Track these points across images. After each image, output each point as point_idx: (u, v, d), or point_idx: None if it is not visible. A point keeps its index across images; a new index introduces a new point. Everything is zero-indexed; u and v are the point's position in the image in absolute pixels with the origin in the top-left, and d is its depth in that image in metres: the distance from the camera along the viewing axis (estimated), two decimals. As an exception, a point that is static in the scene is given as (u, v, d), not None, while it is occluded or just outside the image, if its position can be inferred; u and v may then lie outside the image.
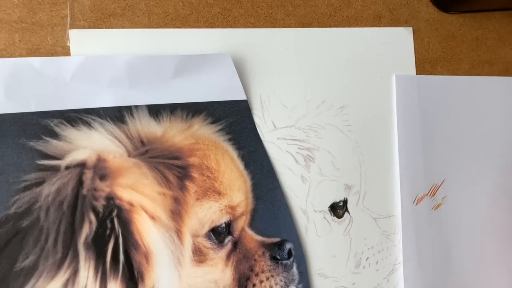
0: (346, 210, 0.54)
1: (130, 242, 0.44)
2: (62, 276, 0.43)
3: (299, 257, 0.50)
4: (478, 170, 0.59)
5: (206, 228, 0.47)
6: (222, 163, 0.48)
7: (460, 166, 0.58)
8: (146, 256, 0.45)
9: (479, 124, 0.59)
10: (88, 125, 0.45)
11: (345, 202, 0.54)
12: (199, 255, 0.47)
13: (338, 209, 0.53)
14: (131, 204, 0.45)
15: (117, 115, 0.46)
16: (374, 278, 0.54)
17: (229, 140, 0.49)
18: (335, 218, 0.53)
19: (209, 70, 0.49)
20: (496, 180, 0.60)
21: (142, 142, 0.46)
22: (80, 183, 0.44)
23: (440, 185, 0.57)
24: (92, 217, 0.44)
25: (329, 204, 0.53)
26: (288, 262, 0.49)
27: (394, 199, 0.56)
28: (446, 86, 0.58)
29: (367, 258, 0.54)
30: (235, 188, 0.49)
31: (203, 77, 0.49)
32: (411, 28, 0.58)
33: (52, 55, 0.47)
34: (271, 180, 0.50)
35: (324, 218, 0.53)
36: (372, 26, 0.57)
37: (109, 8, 0.49)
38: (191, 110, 0.48)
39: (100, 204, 0.44)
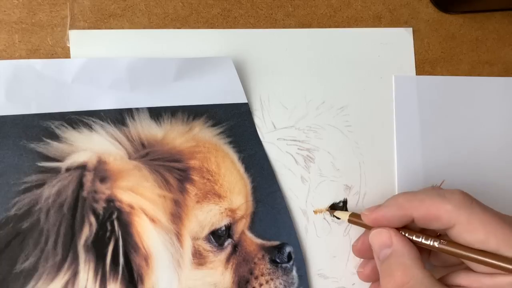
0: (346, 210, 0.54)
1: (130, 245, 0.44)
2: (62, 278, 0.43)
3: (299, 260, 0.50)
4: (478, 170, 0.59)
5: (206, 231, 0.47)
6: (222, 166, 0.48)
7: (460, 167, 0.58)
8: (146, 259, 0.45)
9: (479, 125, 0.59)
10: (89, 127, 0.45)
11: (345, 202, 0.54)
12: (199, 258, 0.47)
13: (338, 209, 0.53)
14: (131, 207, 0.45)
15: (118, 118, 0.46)
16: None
17: (230, 143, 0.49)
18: (335, 218, 0.53)
19: (211, 73, 0.49)
20: (496, 180, 0.60)
21: (143, 145, 0.46)
22: (80, 185, 0.44)
23: (440, 186, 0.57)
24: (92, 219, 0.44)
25: (329, 205, 0.53)
26: (288, 265, 0.50)
27: (393, 200, 0.56)
28: (445, 86, 0.58)
29: (367, 259, 0.54)
30: (235, 191, 0.49)
31: (204, 80, 0.49)
32: (411, 29, 0.58)
33: (52, 55, 0.47)
34: (271, 183, 0.50)
35: (324, 218, 0.53)
36: (372, 26, 0.57)
37: (109, 8, 0.49)
38: (192, 113, 0.48)
39: (100, 206, 0.44)
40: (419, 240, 0.44)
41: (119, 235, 0.44)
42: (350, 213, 0.50)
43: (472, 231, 0.41)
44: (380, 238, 0.45)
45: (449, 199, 0.43)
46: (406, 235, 0.45)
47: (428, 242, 0.44)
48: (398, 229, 0.45)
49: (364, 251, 0.50)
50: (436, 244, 0.43)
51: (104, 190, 0.44)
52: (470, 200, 0.43)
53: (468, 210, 0.42)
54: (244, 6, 0.53)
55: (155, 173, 0.46)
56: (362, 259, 0.53)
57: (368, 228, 0.47)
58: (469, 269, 0.44)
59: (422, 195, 0.44)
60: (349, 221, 0.50)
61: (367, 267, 0.51)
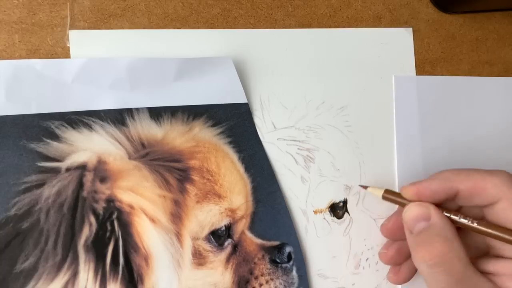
0: (346, 210, 0.54)
1: (130, 245, 0.44)
2: (62, 278, 0.43)
3: (299, 260, 0.50)
4: (478, 170, 0.59)
5: (206, 231, 0.47)
6: (222, 166, 0.48)
7: (460, 167, 0.58)
8: (146, 259, 0.45)
9: (479, 125, 0.59)
10: (89, 127, 0.45)
11: (345, 202, 0.54)
12: (198, 258, 0.47)
13: (338, 209, 0.53)
14: (131, 207, 0.45)
15: (118, 118, 0.46)
16: (374, 279, 0.54)
17: (230, 143, 0.49)
18: (335, 218, 0.53)
19: (211, 73, 0.49)
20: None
21: (143, 145, 0.46)
22: (80, 185, 0.44)
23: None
24: (92, 219, 0.44)
25: (328, 205, 0.53)
26: (288, 265, 0.50)
27: (393, 200, 0.56)
28: (445, 86, 0.58)
29: (367, 259, 0.54)
30: (235, 191, 0.49)
31: (204, 80, 0.49)
32: (411, 29, 0.58)
33: (52, 56, 0.47)
34: (271, 183, 0.50)
35: (324, 218, 0.53)
36: (372, 26, 0.57)
37: (109, 8, 0.49)
38: (192, 113, 0.48)
39: (100, 207, 0.44)
40: (457, 218, 0.44)
41: (119, 235, 0.44)
42: (385, 189, 0.50)
43: None
44: (417, 211, 0.45)
45: (497, 175, 0.43)
46: (444, 213, 0.45)
47: (466, 221, 0.44)
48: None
49: (394, 231, 0.50)
50: (475, 224, 0.43)
51: (104, 190, 0.44)
52: None
53: None
54: (244, 6, 0.53)
55: (155, 173, 0.46)
56: (361, 259, 0.53)
57: (402, 205, 0.47)
58: (497, 256, 0.44)
59: (468, 170, 0.45)
60: (384, 197, 0.49)
61: (392, 248, 0.51)
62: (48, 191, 0.43)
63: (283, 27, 0.54)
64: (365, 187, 0.52)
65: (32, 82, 0.44)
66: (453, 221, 0.44)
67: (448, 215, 0.44)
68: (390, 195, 0.49)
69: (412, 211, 0.45)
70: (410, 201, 0.46)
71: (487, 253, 0.46)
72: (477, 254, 0.47)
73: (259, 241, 0.49)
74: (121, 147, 0.46)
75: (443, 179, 0.45)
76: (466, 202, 0.45)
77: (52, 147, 0.44)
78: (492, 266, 0.43)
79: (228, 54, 0.51)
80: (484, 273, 0.43)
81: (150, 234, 0.45)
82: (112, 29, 0.48)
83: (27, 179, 0.43)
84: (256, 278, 0.48)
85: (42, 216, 0.43)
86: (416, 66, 0.58)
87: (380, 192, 0.50)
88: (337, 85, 0.55)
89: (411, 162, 0.56)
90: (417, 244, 0.44)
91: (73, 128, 0.45)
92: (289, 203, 0.52)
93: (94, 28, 0.48)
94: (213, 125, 0.49)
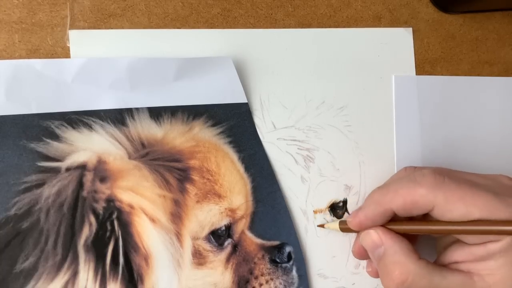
0: (346, 210, 0.54)
1: (130, 244, 0.44)
2: (62, 278, 0.43)
3: (299, 260, 0.50)
4: (478, 170, 0.59)
5: (206, 231, 0.47)
6: (222, 165, 0.48)
7: (460, 167, 0.58)
8: (146, 259, 0.45)
9: (479, 125, 0.59)
10: (89, 127, 0.45)
11: (344, 202, 0.54)
12: (198, 258, 0.47)
13: (338, 209, 0.53)
14: (131, 206, 0.45)
15: (118, 117, 0.46)
16: (374, 279, 0.54)
17: (230, 143, 0.49)
18: (335, 218, 0.53)
19: (211, 73, 0.49)
20: (495, 180, 0.60)
21: (143, 145, 0.46)
22: (80, 185, 0.44)
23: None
24: (92, 219, 0.44)
25: (328, 204, 0.53)
26: (288, 265, 0.50)
27: (393, 200, 0.56)
28: (445, 86, 0.58)
29: (367, 259, 0.54)
30: (235, 191, 0.49)
31: (204, 79, 0.49)
32: (411, 29, 0.58)
33: (52, 55, 0.47)
34: (271, 183, 0.50)
35: (324, 218, 0.53)
36: (372, 26, 0.57)
37: (109, 8, 0.49)
38: (192, 112, 0.48)
39: (100, 206, 0.44)
40: (408, 228, 0.45)
41: (119, 235, 0.44)
42: (339, 221, 0.51)
43: (452, 209, 0.42)
44: (370, 239, 0.46)
45: (421, 183, 0.43)
46: (395, 227, 0.45)
47: (416, 227, 0.45)
48: (385, 224, 0.46)
49: (363, 254, 0.50)
50: (424, 227, 0.44)
51: (104, 190, 0.44)
52: (442, 178, 0.43)
53: (443, 189, 0.42)
54: (244, 6, 0.53)
55: (155, 173, 0.46)
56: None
57: (358, 232, 0.48)
58: (462, 244, 0.44)
59: (395, 185, 0.45)
60: (341, 229, 0.50)
61: (374, 265, 0.51)
62: (48, 191, 0.43)
63: (283, 27, 0.54)
64: (322, 226, 0.53)
65: (32, 82, 0.44)
66: (406, 232, 0.46)
67: (400, 227, 0.46)
68: (345, 225, 0.50)
69: (366, 241, 0.47)
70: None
71: (457, 242, 0.46)
72: (449, 243, 0.48)
73: (259, 241, 0.49)
74: (121, 147, 0.46)
75: (375, 204, 0.46)
76: (407, 215, 0.45)
77: (52, 147, 0.44)
78: (458, 255, 0.44)
79: (228, 54, 0.51)
80: (455, 263, 0.44)
81: (150, 234, 0.45)
82: (112, 29, 0.48)
83: (27, 179, 0.43)
84: (256, 278, 0.48)
85: (42, 216, 0.43)
86: (416, 66, 0.58)
87: (337, 226, 0.51)
88: (337, 85, 0.55)
89: (411, 162, 0.56)
90: (381, 274, 0.45)
91: (73, 128, 0.45)
92: (289, 203, 0.52)
93: (94, 28, 0.48)
94: (213, 125, 0.49)
